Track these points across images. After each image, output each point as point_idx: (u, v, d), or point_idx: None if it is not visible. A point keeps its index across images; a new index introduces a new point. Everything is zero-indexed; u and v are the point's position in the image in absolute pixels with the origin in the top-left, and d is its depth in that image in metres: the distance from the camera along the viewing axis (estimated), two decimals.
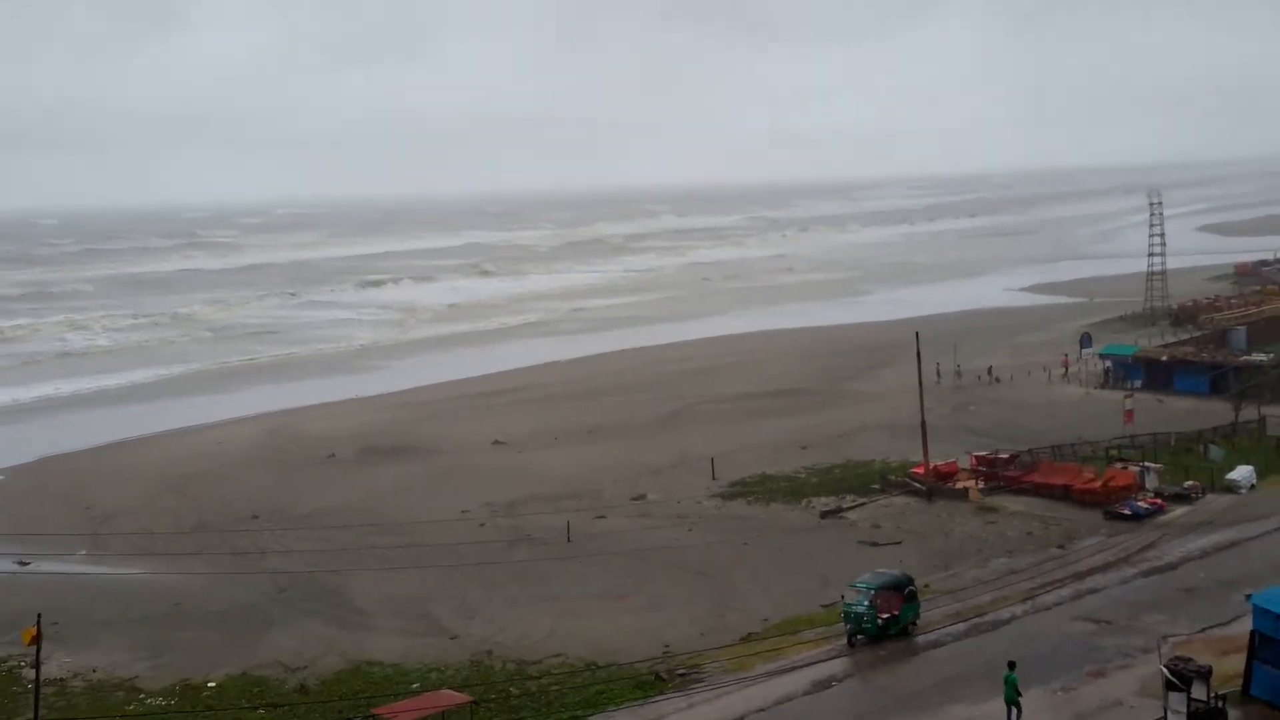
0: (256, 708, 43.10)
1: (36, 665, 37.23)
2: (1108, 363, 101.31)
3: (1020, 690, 36.69)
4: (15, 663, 47.60)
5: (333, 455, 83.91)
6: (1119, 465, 69.00)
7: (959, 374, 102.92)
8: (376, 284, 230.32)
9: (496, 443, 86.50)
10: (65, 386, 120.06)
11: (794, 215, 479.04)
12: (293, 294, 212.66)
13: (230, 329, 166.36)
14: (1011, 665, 37.43)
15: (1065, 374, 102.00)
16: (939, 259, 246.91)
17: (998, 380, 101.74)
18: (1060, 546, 57.54)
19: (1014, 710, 36.67)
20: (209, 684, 45.77)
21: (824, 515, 65.22)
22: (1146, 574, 51.91)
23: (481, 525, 65.86)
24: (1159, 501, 63.29)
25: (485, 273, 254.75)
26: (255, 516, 69.32)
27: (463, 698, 39.51)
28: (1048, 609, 47.89)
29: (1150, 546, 56.09)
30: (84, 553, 63.69)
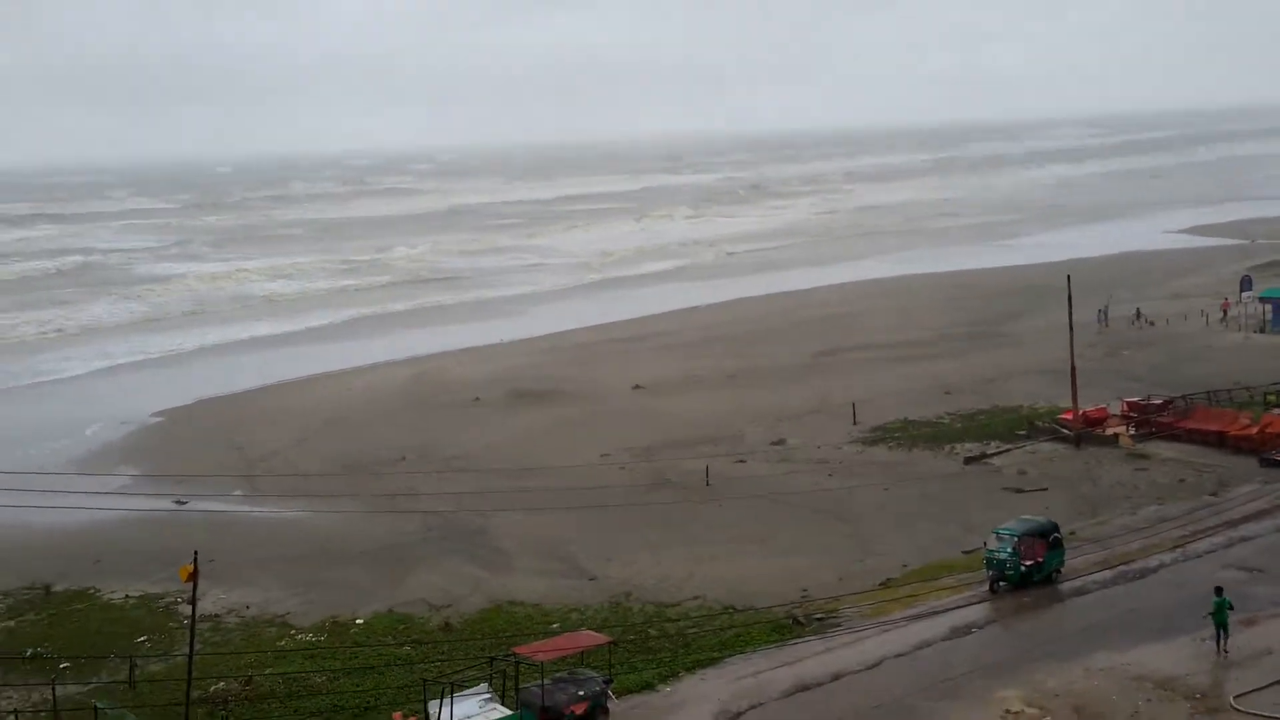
0: (402, 644, 44.21)
1: (193, 601, 38.56)
2: (1268, 306, 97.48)
3: (1232, 607, 37.33)
4: (173, 599, 49.54)
5: (478, 399, 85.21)
6: (1277, 411, 66.51)
7: (1108, 319, 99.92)
8: (553, 227, 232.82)
9: (637, 387, 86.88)
10: (244, 330, 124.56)
11: (958, 155, 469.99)
12: (471, 238, 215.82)
13: (415, 273, 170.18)
14: (1219, 590, 37.77)
15: (1224, 318, 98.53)
16: (1099, 200, 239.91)
17: (1151, 323, 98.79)
18: (1213, 494, 55.88)
19: (1222, 632, 37.23)
20: (357, 621, 47.12)
21: (967, 461, 64.25)
22: None
23: (622, 469, 66.33)
24: None
25: (646, 217, 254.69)
26: (403, 458, 70.84)
27: (602, 638, 39.95)
28: (1199, 557, 46.73)
29: None
30: (239, 493, 65.86)
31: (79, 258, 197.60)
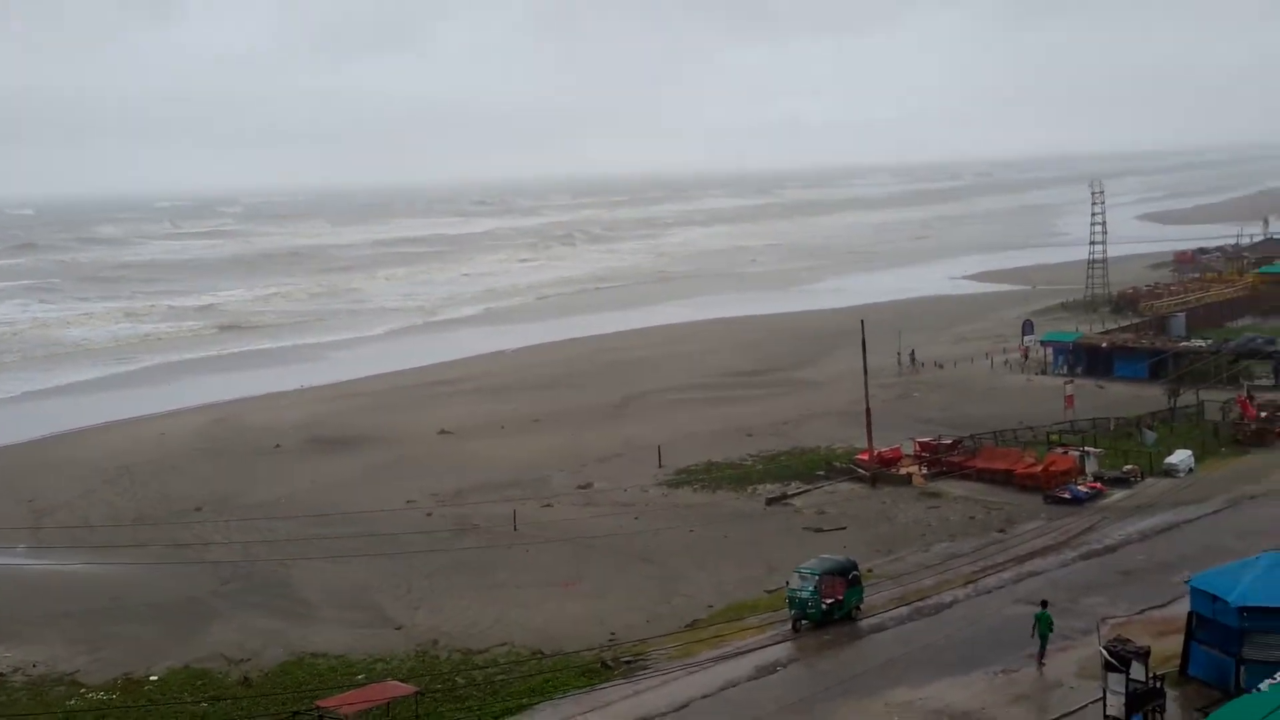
0: (199, 701, 42.72)
1: None
2: (1049, 349, 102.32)
3: (1053, 626, 40.23)
4: None
5: (279, 446, 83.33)
6: (1059, 450, 69.73)
7: (914, 361, 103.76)
8: (363, 273, 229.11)
9: (443, 432, 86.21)
10: (38, 378, 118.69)
11: (762, 204, 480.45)
12: (283, 282, 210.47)
13: (220, 318, 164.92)
14: (1044, 604, 41.05)
15: (1025, 360, 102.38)
16: (891, 247, 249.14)
17: (939, 366, 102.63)
18: (1002, 530, 58.16)
19: (1044, 643, 39.95)
20: (151, 677, 45.34)
21: (769, 502, 65.53)
22: (1086, 557, 52.61)
23: (428, 514, 65.64)
24: (1099, 485, 64.11)
25: (462, 261, 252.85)
26: (199, 508, 68.71)
27: (408, 688, 39.38)
28: (989, 592, 48.44)
29: (1090, 530, 56.87)
30: (23, 546, 62.88)
31: None
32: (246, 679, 44.76)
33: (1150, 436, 73.68)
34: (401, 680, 41.48)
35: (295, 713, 37.82)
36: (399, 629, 49.37)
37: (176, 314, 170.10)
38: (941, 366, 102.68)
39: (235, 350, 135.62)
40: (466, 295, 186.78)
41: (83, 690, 44.47)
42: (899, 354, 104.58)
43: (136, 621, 51.40)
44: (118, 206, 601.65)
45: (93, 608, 53.09)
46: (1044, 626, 40.26)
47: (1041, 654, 40.04)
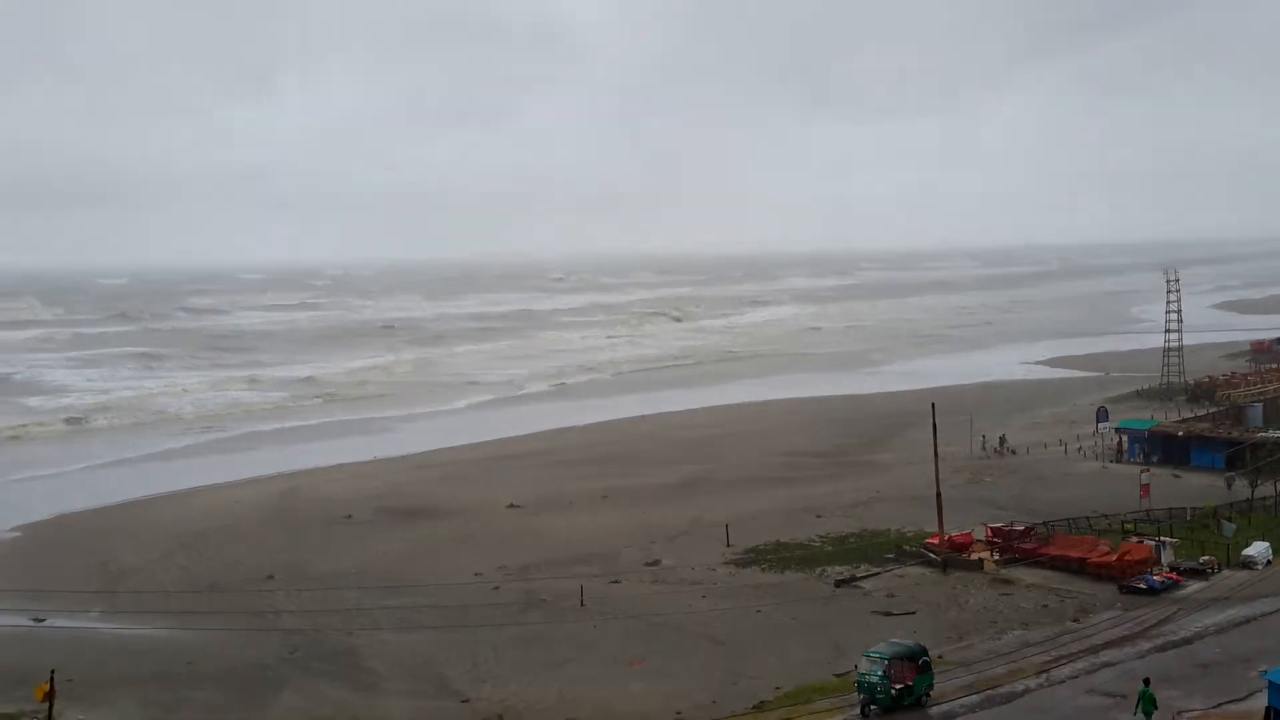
0: None
1: None
2: (1124, 437, 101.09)
3: (1156, 705, 40.69)
4: (28, 719, 47.60)
5: (349, 516, 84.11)
6: (1135, 539, 68.77)
7: (1002, 446, 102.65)
8: (434, 348, 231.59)
9: (511, 505, 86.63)
10: (109, 447, 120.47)
11: (840, 284, 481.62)
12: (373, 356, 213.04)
13: (302, 390, 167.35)
14: (1146, 681, 41.50)
15: (1119, 455, 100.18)
16: (965, 331, 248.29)
17: (1013, 451, 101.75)
18: (1075, 620, 57.30)
19: None
20: None
21: (838, 584, 65.08)
22: (1162, 648, 51.68)
23: (495, 588, 65.86)
24: (1175, 576, 63.05)
25: (525, 338, 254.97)
26: (270, 576, 69.43)
27: None
28: (1062, 682, 47.67)
29: (1165, 621, 55.84)
30: (99, 610, 63.81)
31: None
32: None
33: (1229, 528, 72.45)
34: None
35: None
36: (464, 702, 49.47)
37: (273, 384, 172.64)
38: (1014, 452, 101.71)
39: (317, 421, 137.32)
40: (546, 370, 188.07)
41: None
42: (984, 438, 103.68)
43: (208, 687, 51.91)
44: (207, 277, 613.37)
45: (165, 672, 53.72)
46: (1147, 704, 40.63)
47: None
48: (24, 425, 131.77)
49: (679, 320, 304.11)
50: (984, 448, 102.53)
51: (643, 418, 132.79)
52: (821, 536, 76.05)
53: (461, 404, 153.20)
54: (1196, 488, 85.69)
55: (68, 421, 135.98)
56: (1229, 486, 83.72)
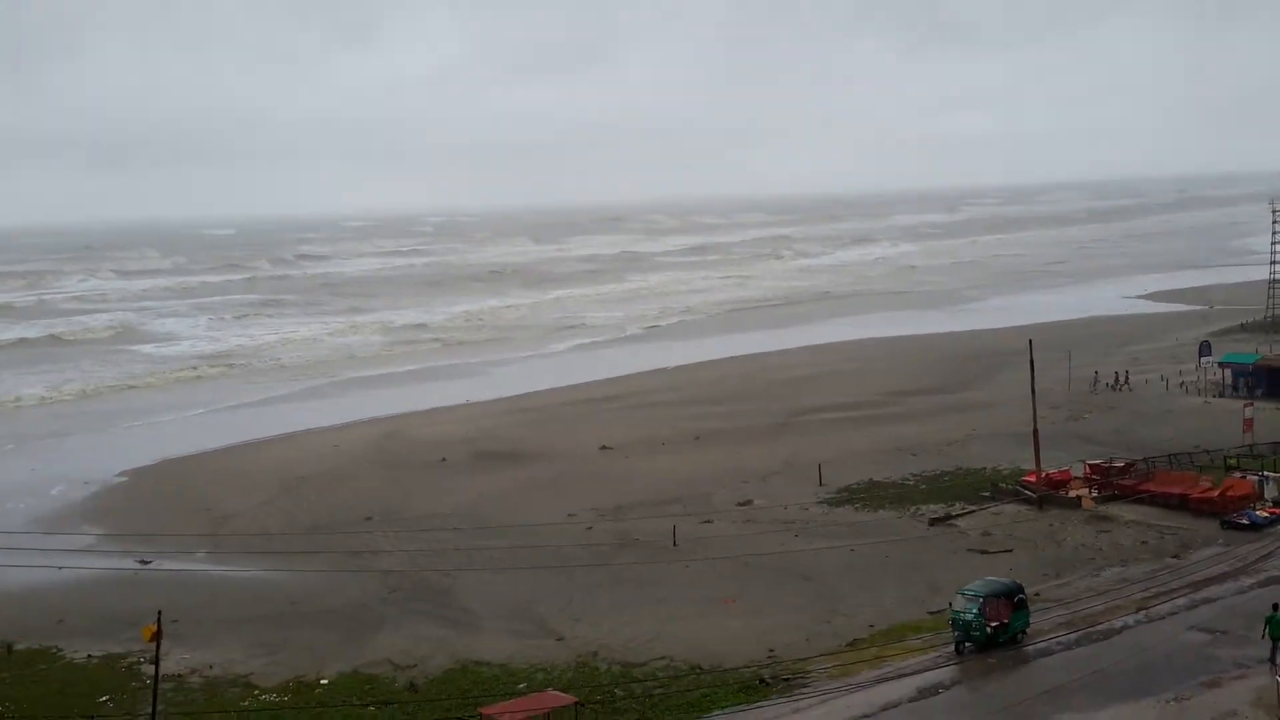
0: (367, 705, 44.00)
1: (156, 661, 38.49)
2: (1228, 371, 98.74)
3: None
4: (136, 659, 49.09)
5: (444, 459, 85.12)
6: (1237, 474, 67.36)
7: (1116, 381, 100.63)
8: (536, 291, 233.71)
9: (604, 448, 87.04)
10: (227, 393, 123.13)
11: (935, 222, 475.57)
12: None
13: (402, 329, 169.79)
14: (1276, 606, 41.50)
15: (1223, 389, 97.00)
16: (1057, 265, 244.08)
17: (1130, 388, 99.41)
18: (1175, 556, 56.39)
19: (1277, 646, 40.73)
20: (321, 681, 46.83)
21: (932, 522, 64.63)
22: (1264, 584, 50.72)
23: (589, 529, 66.37)
24: (1278, 511, 61.63)
25: (600, 279, 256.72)
26: (369, 518, 70.62)
27: (568, 699, 39.92)
28: (1162, 619, 47.08)
29: (1268, 556, 54.75)
30: (203, 552, 65.47)
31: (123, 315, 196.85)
32: (413, 685, 45.89)
33: None
34: (562, 690, 42.10)
35: (459, 719, 38.59)
36: (560, 640, 50.02)
37: (381, 330, 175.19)
38: (1131, 389, 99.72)
39: (418, 366, 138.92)
40: (644, 313, 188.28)
41: (256, 692, 46.14)
42: (1096, 374, 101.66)
43: (309, 627, 53.07)
44: (311, 225, 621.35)
45: (268, 613, 55.00)
46: (1275, 629, 40.91)
47: (1272, 657, 40.36)
48: (138, 375, 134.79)
49: (779, 260, 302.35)
50: (1095, 385, 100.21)
51: (737, 358, 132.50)
52: (916, 475, 75.49)
53: (561, 347, 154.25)
54: None
55: (179, 369, 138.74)
56: None
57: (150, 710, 38.18)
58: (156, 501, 76.67)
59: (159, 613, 38.17)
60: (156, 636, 37.34)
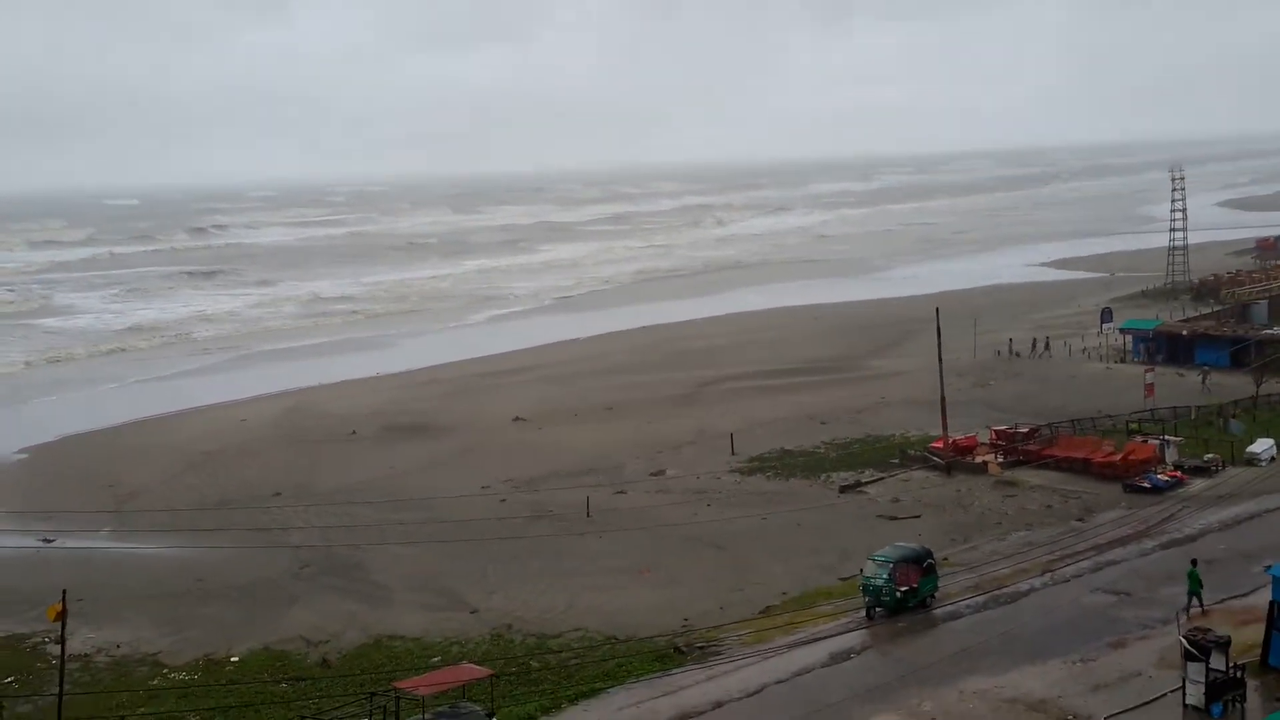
0: (279, 682, 43.50)
1: (61, 641, 37.67)
2: (1129, 337, 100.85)
3: (1201, 583, 42.77)
4: (40, 639, 48.09)
5: (354, 432, 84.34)
6: (1139, 439, 68.86)
7: (1035, 348, 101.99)
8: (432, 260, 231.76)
9: (517, 419, 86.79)
10: (126, 368, 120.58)
11: (831, 190, 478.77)
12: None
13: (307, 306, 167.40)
14: (1194, 562, 43.82)
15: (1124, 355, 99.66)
16: (964, 234, 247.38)
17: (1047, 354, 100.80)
18: (1079, 519, 57.51)
19: (1194, 599, 42.58)
20: (231, 659, 46.25)
21: (843, 490, 65.32)
22: (1166, 546, 51.93)
23: (502, 501, 66.16)
24: (1179, 474, 63.11)
25: (517, 249, 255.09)
26: (278, 493, 69.78)
27: (483, 671, 39.74)
28: (1067, 581, 47.96)
29: (1170, 519, 56.03)
30: (108, 529, 64.21)
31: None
32: (325, 660, 45.51)
33: (1238, 427, 72.43)
34: (477, 663, 41.93)
35: (373, 694, 38.28)
36: (474, 613, 49.87)
37: (293, 301, 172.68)
38: (1019, 355, 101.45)
39: (329, 338, 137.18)
40: (556, 284, 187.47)
41: (165, 670, 45.46)
42: (1010, 341, 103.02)
43: (218, 604, 52.39)
44: (217, 195, 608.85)
45: (176, 590, 54.21)
46: (1193, 584, 42.58)
47: (1187, 608, 42.33)
48: (42, 351, 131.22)
49: (695, 229, 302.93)
50: (1009, 352, 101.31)
51: (651, 328, 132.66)
52: (826, 443, 76.20)
53: (476, 318, 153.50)
54: (1201, 386, 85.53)
55: (86, 345, 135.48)
56: (1203, 382, 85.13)
57: (57, 691, 37.41)
58: (58, 479, 75.06)
59: (64, 592, 37.31)
60: (61, 616, 36.55)
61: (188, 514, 64.48)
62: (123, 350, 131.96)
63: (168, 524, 62.78)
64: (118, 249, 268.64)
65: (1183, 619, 40.92)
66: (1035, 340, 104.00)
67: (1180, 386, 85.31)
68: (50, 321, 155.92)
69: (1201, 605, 42.57)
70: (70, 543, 61.22)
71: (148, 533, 62.85)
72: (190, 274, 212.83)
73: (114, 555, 59.83)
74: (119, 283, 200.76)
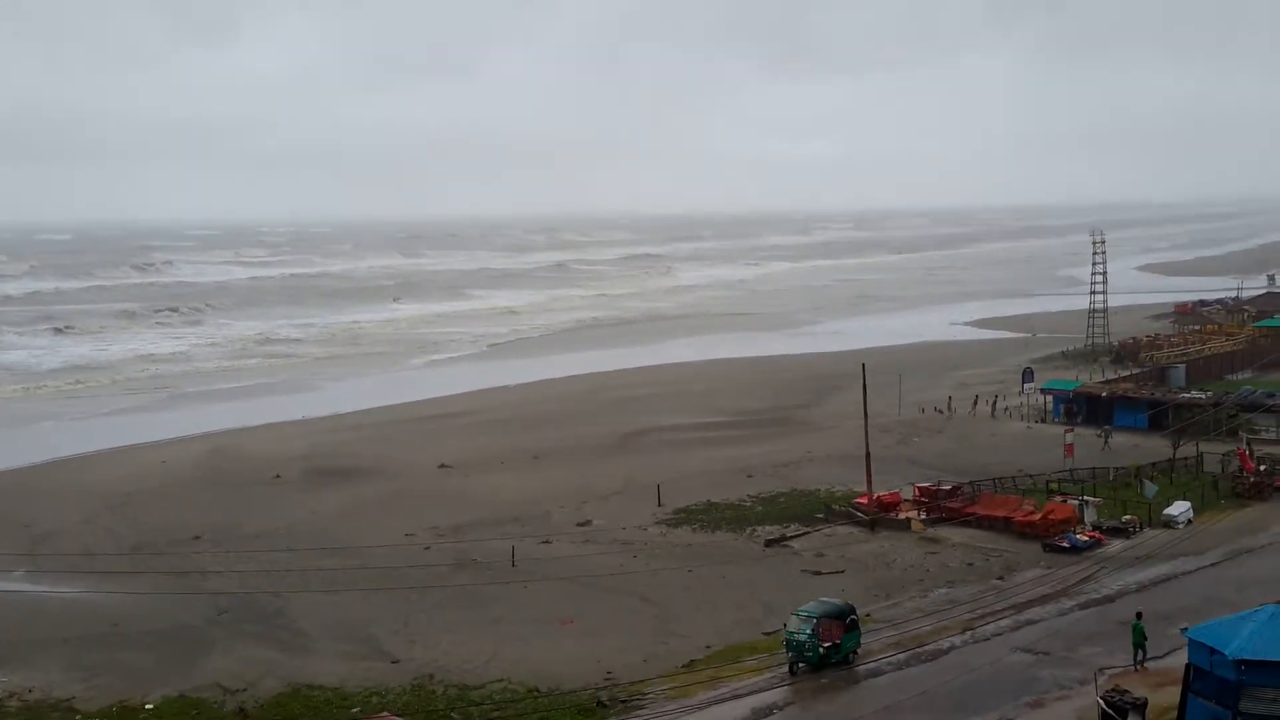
0: None
1: None
2: (1049, 397, 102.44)
3: (1146, 636, 43.88)
4: None
5: (278, 476, 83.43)
6: (1059, 498, 69.83)
7: (953, 410, 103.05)
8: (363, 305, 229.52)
9: (443, 466, 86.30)
10: (39, 406, 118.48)
11: (768, 244, 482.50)
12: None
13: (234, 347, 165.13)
14: (1139, 615, 44.91)
15: (1044, 416, 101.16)
16: (894, 291, 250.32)
17: (926, 413, 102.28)
18: (1000, 578, 58.16)
19: (1140, 651, 43.60)
20: (146, 706, 45.37)
21: (768, 544, 65.54)
22: (1084, 606, 52.66)
23: (426, 548, 65.60)
24: (1098, 535, 64.07)
25: (457, 295, 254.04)
26: (197, 537, 68.73)
27: None
28: (987, 639, 48.45)
29: (1088, 579, 56.84)
30: (23, 571, 62.88)
31: None
32: (242, 709, 44.79)
33: (1151, 489, 73.61)
34: (397, 714, 41.50)
35: None
36: (395, 663, 49.36)
37: (226, 344, 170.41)
38: (941, 412, 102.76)
39: (252, 381, 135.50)
40: (483, 332, 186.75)
41: (78, 717, 44.56)
42: (950, 399, 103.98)
43: (134, 649, 51.44)
44: (154, 232, 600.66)
45: (90, 634, 53.12)
46: (1137, 636, 43.82)
47: (1135, 660, 43.67)
48: None
49: (637, 279, 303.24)
50: (947, 409, 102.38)
51: (579, 377, 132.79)
52: (752, 496, 76.50)
53: (408, 363, 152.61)
54: (1119, 448, 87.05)
55: (15, 382, 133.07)
56: (1104, 443, 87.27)
57: None
58: None
59: None
60: None
61: (104, 557, 63.37)
62: (43, 392, 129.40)
63: (83, 567, 61.69)
64: (61, 284, 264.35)
65: (1138, 669, 42.83)
66: (977, 397, 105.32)
67: (1098, 447, 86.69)
68: None
69: (1144, 657, 43.78)
70: None
71: (62, 575, 61.57)
72: (131, 313, 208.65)
73: (27, 598, 58.50)
74: (57, 318, 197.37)
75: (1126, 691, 35.81)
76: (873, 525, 67.69)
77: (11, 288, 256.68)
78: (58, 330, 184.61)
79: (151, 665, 49.52)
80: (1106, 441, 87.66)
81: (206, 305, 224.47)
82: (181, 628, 53.83)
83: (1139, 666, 43.05)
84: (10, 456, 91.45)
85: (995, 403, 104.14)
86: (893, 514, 69.29)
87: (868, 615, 51.07)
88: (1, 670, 48.07)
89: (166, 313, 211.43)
